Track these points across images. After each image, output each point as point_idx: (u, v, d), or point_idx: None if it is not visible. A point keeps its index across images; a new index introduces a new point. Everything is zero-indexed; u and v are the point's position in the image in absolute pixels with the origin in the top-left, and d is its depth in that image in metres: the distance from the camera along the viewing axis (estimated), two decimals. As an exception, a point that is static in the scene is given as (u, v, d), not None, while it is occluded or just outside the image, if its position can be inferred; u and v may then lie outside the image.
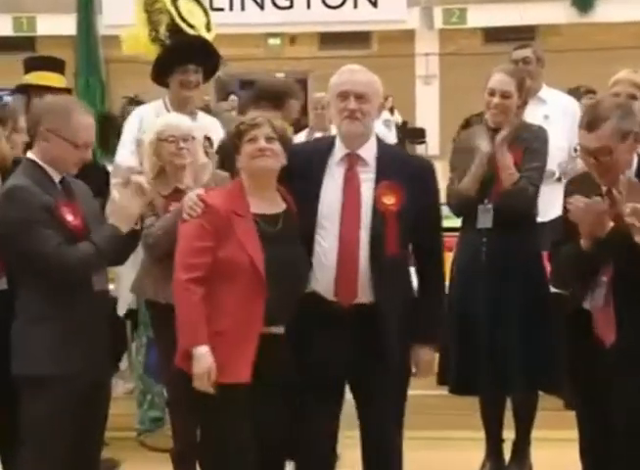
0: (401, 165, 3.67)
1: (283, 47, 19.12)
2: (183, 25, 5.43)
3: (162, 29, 5.44)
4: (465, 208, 4.47)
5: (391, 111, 19.06)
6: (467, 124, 5.27)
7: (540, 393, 4.63)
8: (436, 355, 4.69)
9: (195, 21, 5.52)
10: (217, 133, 5.05)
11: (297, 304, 3.59)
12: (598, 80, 11.57)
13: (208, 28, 5.64)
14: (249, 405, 3.51)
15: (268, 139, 3.59)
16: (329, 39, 22.23)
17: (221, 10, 18.72)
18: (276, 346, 3.57)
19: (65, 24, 18.32)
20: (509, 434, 4.70)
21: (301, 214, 3.66)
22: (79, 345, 3.49)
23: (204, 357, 3.47)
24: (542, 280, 4.38)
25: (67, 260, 3.43)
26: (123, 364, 5.99)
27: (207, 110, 11.41)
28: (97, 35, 18.61)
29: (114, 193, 3.68)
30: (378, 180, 3.63)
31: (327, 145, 3.74)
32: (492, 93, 4.38)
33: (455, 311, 4.44)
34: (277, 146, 3.60)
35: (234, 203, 3.59)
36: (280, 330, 3.60)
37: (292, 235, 3.62)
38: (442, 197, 4.65)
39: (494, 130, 4.38)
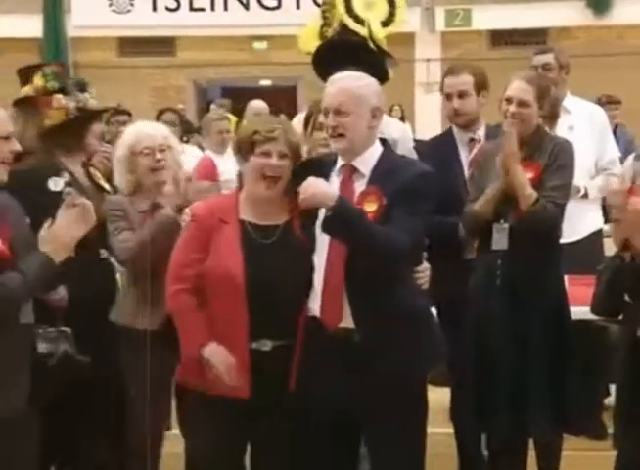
0: (395, 175, 3.69)
1: (269, 51, 19.11)
2: (349, 21, 5.45)
3: (335, 26, 5.48)
4: (479, 230, 4.47)
5: (402, 120, 19.08)
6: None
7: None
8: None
9: (369, 13, 5.50)
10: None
11: (292, 320, 3.66)
12: (616, 88, 11.69)
13: (388, 22, 5.61)
14: (245, 422, 3.68)
15: (281, 156, 3.72)
16: (320, 42, 22.27)
17: (202, 10, 18.68)
18: (261, 363, 3.65)
19: (29, 26, 18.23)
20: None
21: (306, 231, 3.74)
22: None
23: (217, 351, 3.63)
24: (564, 308, 4.39)
25: None
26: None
27: (186, 122, 11.44)
28: (66, 37, 18.55)
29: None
30: None
31: (333, 157, 3.85)
32: (509, 101, 4.42)
33: (469, 340, 4.43)
34: (286, 163, 3.74)
35: (223, 209, 3.77)
36: (265, 346, 3.66)
37: (290, 248, 3.71)
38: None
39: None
